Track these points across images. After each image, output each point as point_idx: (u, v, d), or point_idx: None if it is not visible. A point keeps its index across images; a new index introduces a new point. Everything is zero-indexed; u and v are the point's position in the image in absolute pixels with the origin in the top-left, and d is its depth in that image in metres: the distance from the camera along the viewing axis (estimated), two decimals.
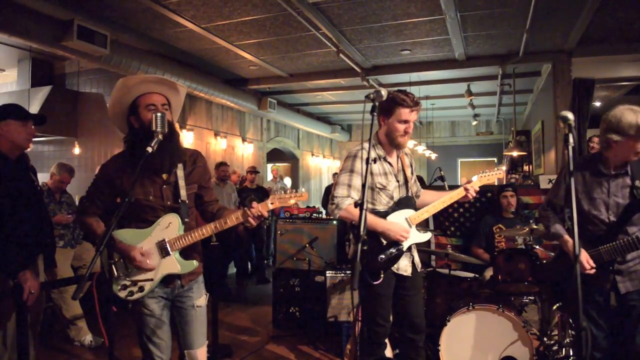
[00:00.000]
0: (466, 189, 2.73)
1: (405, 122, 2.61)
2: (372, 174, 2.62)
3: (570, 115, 1.89)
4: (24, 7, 4.58)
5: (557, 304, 3.40)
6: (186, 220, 2.22)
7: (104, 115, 6.93)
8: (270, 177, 9.32)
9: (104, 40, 5.10)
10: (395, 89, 2.72)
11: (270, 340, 4.47)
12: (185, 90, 2.40)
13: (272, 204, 2.23)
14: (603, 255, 2.49)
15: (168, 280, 2.22)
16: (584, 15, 4.96)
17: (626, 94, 7.73)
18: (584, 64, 6.22)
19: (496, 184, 4.87)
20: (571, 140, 1.84)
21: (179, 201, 2.23)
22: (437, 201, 2.75)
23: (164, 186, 2.22)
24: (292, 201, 2.28)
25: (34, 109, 6.56)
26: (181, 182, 2.25)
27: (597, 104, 8.26)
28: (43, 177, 4.45)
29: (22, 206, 2.71)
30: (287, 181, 10.50)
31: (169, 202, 2.23)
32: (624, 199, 2.51)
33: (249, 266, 7.69)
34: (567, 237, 2.65)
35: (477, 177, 2.81)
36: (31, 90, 6.84)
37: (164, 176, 2.23)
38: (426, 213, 2.74)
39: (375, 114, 2.03)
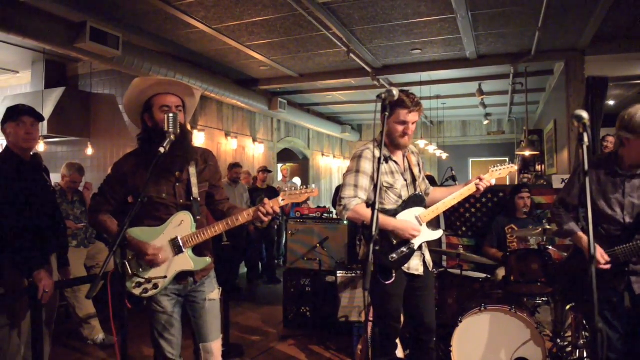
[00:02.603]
0: (477, 184, 2.71)
1: (404, 123, 2.57)
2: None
3: (585, 114, 1.87)
4: (37, 9, 4.64)
5: (570, 305, 3.37)
6: (198, 217, 2.25)
7: (116, 116, 7.00)
8: (280, 177, 9.33)
9: (116, 41, 5.15)
10: (407, 89, 2.71)
11: (281, 340, 4.48)
12: (200, 93, 2.42)
13: (283, 200, 2.24)
14: (619, 256, 2.46)
15: (181, 277, 2.25)
16: (597, 12, 4.90)
17: None
18: (598, 62, 6.14)
19: (507, 183, 4.83)
20: (586, 139, 1.81)
21: (191, 199, 2.25)
22: (447, 198, 2.71)
23: (177, 184, 2.25)
24: (304, 197, 2.28)
25: (47, 110, 6.64)
26: (193, 180, 2.27)
27: (611, 102, 8.16)
28: (56, 178, 4.50)
29: (36, 206, 2.75)
30: (297, 181, 10.52)
31: (181, 200, 2.26)
32: (639, 199, 2.48)
33: (260, 266, 7.71)
34: (580, 233, 2.63)
35: (489, 171, 2.78)
36: (45, 91, 6.93)
37: (177, 174, 2.25)
38: (436, 210, 2.71)
39: (387, 113, 2.02)
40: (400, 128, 2.58)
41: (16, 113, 2.75)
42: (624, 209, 2.50)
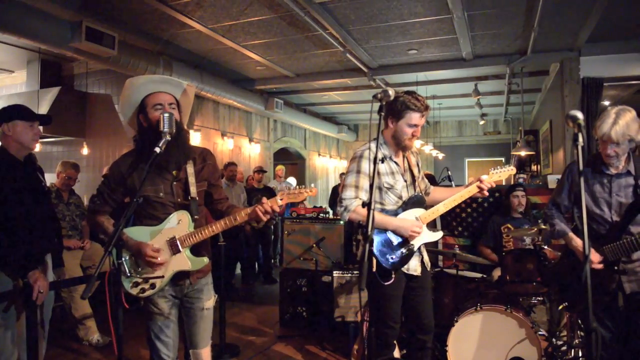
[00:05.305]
0: (480, 187, 2.71)
1: (415, 126, 2.60)
2: (379, 173, 2.61)
3: (579, 115, 1.88)
4: (33, 8, 4.61)
5: (563, 304, 3.39)
6: (196, 217, 2.24)
7: (112, 115, 6.97)
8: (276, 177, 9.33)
9: (112, 41, 5.13)
10: (404, 89, 2.71)
11: (277, 340, 4.48)
12: (194, 90, 2.41)
13: (281, 199, 2.24)
14: (607, 254, 2.49)
15: (178, 277, 2.24)
16: (592, 13, 4.92)
17: (635, 92, 7.65)
18: (593, 63, 6.16)
19: (504, 183, 4.85)
20: (581, 139, 1.83)
21: (189, 198, 2.25)
22: (448, 199, 2.71)
23: (174, 183, 2.25)
24: (302, 196, 2.28)
25: (43, 110, 6.62)
26: (191, 179, 2.27)
27: (606, 103, 8.19)
28: (51, 178, 4.48)
29: (30, 206, 2.73)
30: (292, 181, 10.50)
31: (179, 199, 2.25)
32: (626, 198, 2.51)
33: (256, 266, 7.70)
34: (572, 234, 2.66)
35: (489, 173, 2.78)
36: (40, 91, 6.90)
37: (174, 173, 2.25)
38: (437, 212, 2.71)
39: (382, 113, 2.02)
40: (410, 131, 2.60)
41: (30, 115, 2.76)
42: (612, 207, 2.54)
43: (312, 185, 2.36)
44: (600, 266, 2.47)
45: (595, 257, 2.49)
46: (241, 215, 2.22)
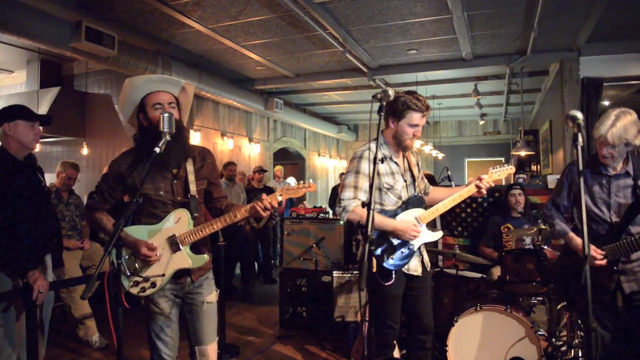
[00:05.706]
0: (478, 186, 2.71)
1: (416, 126, 2.59)
2: (378, 174, 2.61)
3: (579, 115, 1.89)
4: (33, 8, 4.61)
5: (562, 304, 3.39)
6: (195, 215, 2.24)
7: (111, 115, 6.97)
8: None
9: (111, 41, 5.13)
10: (403, 89, 2.71)
11: (277, 341, 4.48)
12: (193, 89, 2.41)
13: (281, 195, 2.24)
14: (607, 254, 2.49)
15: (179, 275, 2.25)
16: (592, 13, 4.92)
17: (635, 92, 7.66)
18: (592, 63, 6.17)
19: (503, 183, 4.86)
20: (580, 139, 1.83)
21: (189, 196, 2.25)
22: (447, 199, 2.72)
23: (175, 181, 2.25)
24: (301, 192, 2.28)
25: (42, 110, 6.62)
26: (191, 177, 2.27)
27: (606, 103, 8.19)
28: (51, 178, 4.48)
29: (30, 206, 2.73)
30: (291, 180, 10.50)
31: (179, 197, 2.25)
32: (625, 198, 2.52)
33: (256, 266, 7.70)
34: (572, 234, 2.67)
35: (488, 173, 2.78)
36: (40, 91, 6.90)
37: (174, 171, 2.25)
38: (436, 212, 2.71)
39: (382, 113, 2.02)
40: (411, 131, 2.60)
41: (31, 115, 2.76)
42: (610, 208, 2.55)
43: (311, 180, 2.37)
44: (603, 262, 2.46)
45: (596, 253, 2.48)
46: (241, 212, 2.23)
